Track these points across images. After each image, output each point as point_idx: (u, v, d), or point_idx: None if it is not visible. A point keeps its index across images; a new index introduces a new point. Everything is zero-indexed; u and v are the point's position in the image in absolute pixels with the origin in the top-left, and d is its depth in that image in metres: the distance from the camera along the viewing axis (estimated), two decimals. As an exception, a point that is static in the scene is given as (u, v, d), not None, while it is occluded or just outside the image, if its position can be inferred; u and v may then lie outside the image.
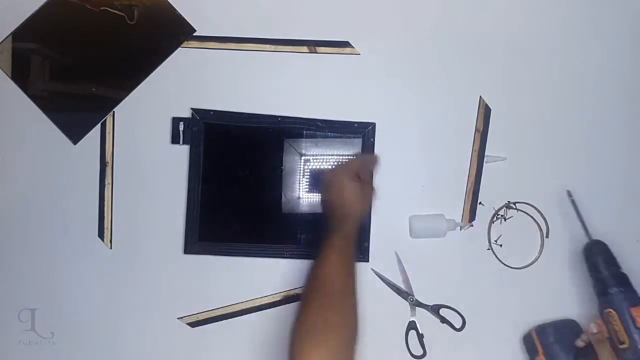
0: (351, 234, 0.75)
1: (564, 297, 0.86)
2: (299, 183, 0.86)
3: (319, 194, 0.85)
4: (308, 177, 0.86)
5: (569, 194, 0.85)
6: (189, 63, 0.86)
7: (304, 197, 0.86)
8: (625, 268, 0.79)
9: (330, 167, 0.86)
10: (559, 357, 0.77)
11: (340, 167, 0.83)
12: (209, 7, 0.87)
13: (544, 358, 0.78)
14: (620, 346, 0.73)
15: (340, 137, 0.86)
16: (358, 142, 0.86)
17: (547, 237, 0.86)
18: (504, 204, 0.87)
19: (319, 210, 0.86)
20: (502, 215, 0.87)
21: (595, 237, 0.82)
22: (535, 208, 0.86)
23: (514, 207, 0.87)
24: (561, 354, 0.77)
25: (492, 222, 0.86)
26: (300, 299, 0.71)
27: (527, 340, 0.82)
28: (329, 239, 0.73)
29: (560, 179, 0.87)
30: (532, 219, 0.86)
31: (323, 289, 0.69)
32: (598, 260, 0.79)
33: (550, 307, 0.86)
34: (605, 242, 0.81)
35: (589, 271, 0.81)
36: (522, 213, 0.87)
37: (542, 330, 0.80)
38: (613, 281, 0.77)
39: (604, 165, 0.87)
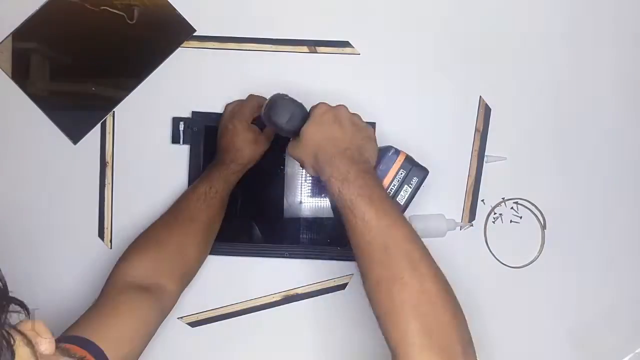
0: (229, 178, 0.79)
1: (564, 296, 0.86)
2: (301, 183, 0.86)
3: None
4: (309, 176, 0.86)
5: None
6: (189, 63, 0.86)
7: (305, 197, 0.86)
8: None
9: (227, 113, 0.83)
10: None
11: (234, 113, 0.81)
12: (209, 7, 0.87)
13: None
14: None
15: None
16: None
17: (545, 233, 0.86)
18: (498, 201, 0.87)
19: (318, 210, 0.86)
20: (500, 214, 0.87)
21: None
22: (534, 205, 0.86)
23: (514, 208, 0.87)
24: None
25: (487, 219, 0.86)
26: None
27: None
28: (208, 172, 0.79)
29: (561, 179, 0.87)
30: (531, 219, 0.87)
31: (186, 215, 0.77)
32: None
33: (550, 306, 0.86)
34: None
35: None
36: (522, 213, 0.87)
37: None
38: None
39: (604, 165, 0.87)
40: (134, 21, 0.86)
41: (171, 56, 0.86)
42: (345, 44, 0.87)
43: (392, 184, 0.69)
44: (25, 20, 0.86)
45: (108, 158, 0.86)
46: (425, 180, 0.71)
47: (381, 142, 0.85)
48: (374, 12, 0.87)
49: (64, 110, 0.86)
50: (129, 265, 0.72)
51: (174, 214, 0.79)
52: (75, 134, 0.86)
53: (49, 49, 0.86)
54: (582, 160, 0.87)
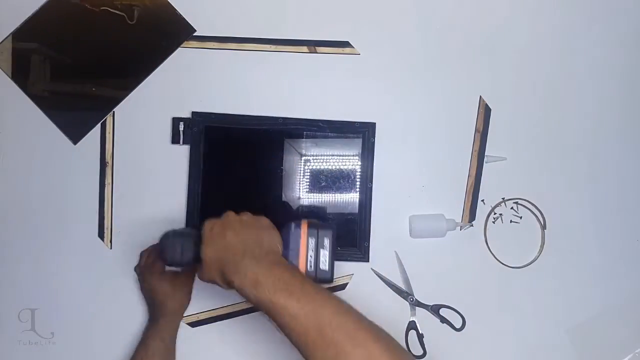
0: (172, 333, 0.81)
1: (564, 296, 0.86)
2: (299, 183, 0.86)
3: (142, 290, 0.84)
4: (308, 176, 0.86)
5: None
6: (189, 63, 0.86)
7: (304, 197, 0.86)
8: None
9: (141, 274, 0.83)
10: None
11: (146, 267, 0.82)
12: (209, 7, 0.87)
13: None
14: None
15: (341, 137, 0.86)
16: (358, 142, 0.86)
17: (545, 233, 0.86)
18: (498, 201, 0.87)
19: (318, 209, 0.86)
20: (500, 214, 0.87)
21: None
22: (534, 205, 0.86)
23: (514, 208, 0.87)
24: None
25: (487, 219, 0.86)
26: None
27: None
28: (154, 327, 0.80)
29: (561, 179, 0.87)
30: (531, 219, 0.86)
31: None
32: None
33: (550, 306, 0.86)
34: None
35: None
36: (522, 213, 0.87)
37: None
38: None
39: (604, 165, 0.87)
40: (134, 21, 0.86)
41: (171, 56, 0.86)
42: (345, 44, 0.87)
43: (309, 256, 0.67)
44: (25, 20, 0.86)
45: (108, 158, 0.86)
46: (335, 236, 0.68)
47: (381, 142, 0.86)
48: (374, 12, 0.87)
49: (64, 110, 0.86)
50: None
51: None
52: (75, 134, 0.86)
53: (49, 49, 0.86)
54: (582, 160, 0.87)
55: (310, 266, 0.66)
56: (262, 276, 0.60)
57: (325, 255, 0.67)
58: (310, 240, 0.67)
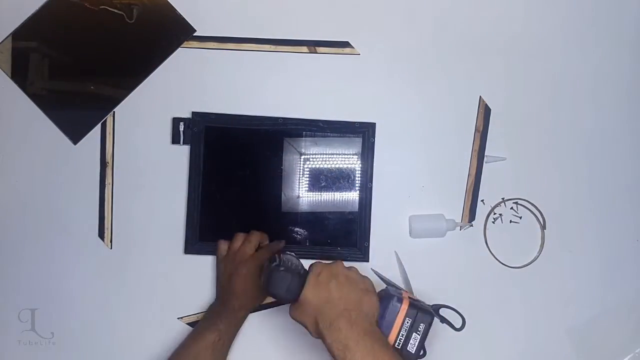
0: (239, 324, 0.80)
1: (564, 296, 0.86)
2: (299, 182, 0.86)
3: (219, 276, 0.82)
4: (308, 176, 0.86)
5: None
6: (189, 63, 0.86)
7: (303, 196, 0.86)
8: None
9: (238, 262, 0.79)
10: None
11: (248, 261, 0.79)
12: (209, 7, 0.87)
13: None
14: None
15: (340, 137, 0.86)
16: (358, 142, 0.86)
17: (545, 233, 0.86)
18: (498, 201, 0.87)
19: (319, 209, 0.86)
20: (500, 214, 0.87)
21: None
22: (534, 205, 0.86)
23: (514, 208, 0.87)
24: None
25: (487, 219, 0.86)
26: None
27: None
28: (216, 317, 0.77)
29: (560, 179, 0.87)
30: (531, 219, 0.87)
31: None
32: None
33: (550, 306, 0.86)
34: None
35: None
36: (522, 213, 0.87)
37: None
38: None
39: (604, 165, 0.87)
40: (133, 20, 0.86)
41: (171, 56, 0.86)
42: (345, 44, 0.87)
43: (400, 335, 0.67)
44: (25, 20, 0.86)
45: (108, 158, 0.86)
46: (432, 324, 0.68)
47: (381, 142, 0.86)
48: (374, 12, 0.87)
49: (64, 110, 0.86)
50: None
51: None
52: (75, 134, 0.86)
53: (49, 49, 0.86)
54: (582, 161, 0.87)
55: (399, 344, 0.67)
56: (353, 343, 0.62)
57: (416, 339, 0.67)
58: (407, 319, 0.67)
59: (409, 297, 0.69)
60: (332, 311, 0.64)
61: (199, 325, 0.80)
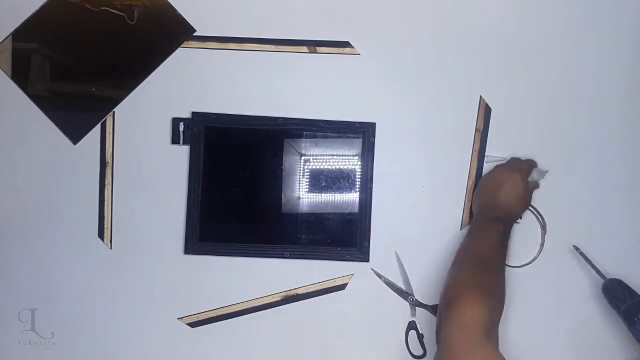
0: (508, 231, 0.82)
1: (564, 296, 0.86)
2: (299, 183, 0.86)
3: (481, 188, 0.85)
4: (308, 177, 0.86)
5: (576, 248, 0.85)
6: (189, 63, 0.86)
7: (303, 197, 0.86)
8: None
9: (502, 167, 0.84)
10: None
11: (513, 170, 0.82)
12: (209, 7, 0.87)
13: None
14: None
15: (341, 137, 0.86)
16: (358, 142, 0.86)
17: (545, 234, 0.86)
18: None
19: (319, 209, 0.86)
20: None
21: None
22: (534, 205, 0.86)
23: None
24: None
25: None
26: (453, 267, 0.78)
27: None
28: (490, 223, 0.80)
29: (560, 179, 0.87)
30: (531, 219, 0.86)
31: (481, 262, 0.76)
32: (618, 295, 0.80)
33: (550, 306, 0.86)
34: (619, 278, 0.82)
35: (613, 307, 0.81)
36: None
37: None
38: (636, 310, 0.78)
39: (604, 166, 0.87)
40: (134, 21, 0.86)
41: (171, 56, 0.86)
42: (345, 44, 0.87)
43: None
44: (25, 20, 0.86)
45: (108, 158, 0.86)
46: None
47: (381, 142, 0.86)
48: (374, 12, 0.87)
49: (64, 110, 0.86)
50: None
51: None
52: (75, 134, 0.86)
53: (49, 49, 0.86)
54: (582, 161, 0.87)
55: None
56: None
57: None
58: None
59: None
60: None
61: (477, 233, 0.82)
